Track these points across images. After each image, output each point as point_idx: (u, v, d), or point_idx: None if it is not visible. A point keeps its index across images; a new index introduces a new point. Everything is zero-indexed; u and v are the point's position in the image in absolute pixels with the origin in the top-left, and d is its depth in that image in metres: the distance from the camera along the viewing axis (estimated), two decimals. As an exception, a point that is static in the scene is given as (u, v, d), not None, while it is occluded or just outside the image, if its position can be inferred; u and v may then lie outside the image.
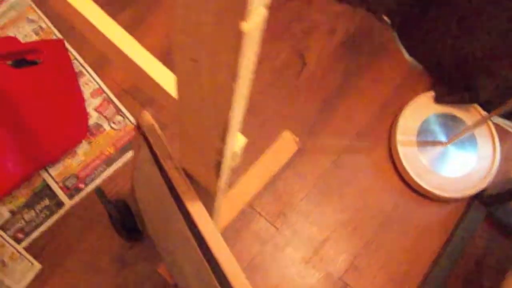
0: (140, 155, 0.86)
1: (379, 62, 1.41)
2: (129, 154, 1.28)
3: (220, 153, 0.63)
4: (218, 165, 0.67)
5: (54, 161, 1.26)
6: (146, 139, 0.80)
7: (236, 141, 0.68)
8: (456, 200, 1.31)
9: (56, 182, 1.26)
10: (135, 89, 1.33)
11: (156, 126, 0.79)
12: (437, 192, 1.27)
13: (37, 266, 1.23)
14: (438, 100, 1.33)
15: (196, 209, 0.76)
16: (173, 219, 0.84)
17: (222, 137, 0.59)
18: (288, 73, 1.38)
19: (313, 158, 1.32)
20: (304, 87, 1.37)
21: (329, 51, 1.41)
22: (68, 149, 1.26)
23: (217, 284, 0.75)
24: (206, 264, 0.76)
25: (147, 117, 0.79)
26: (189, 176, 0.77)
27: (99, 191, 1.08)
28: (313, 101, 1.36)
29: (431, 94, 1.35)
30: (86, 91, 1.31)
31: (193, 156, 0.72)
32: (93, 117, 1.30)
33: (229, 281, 0.74)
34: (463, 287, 1.27)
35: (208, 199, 0.79)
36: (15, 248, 1.23)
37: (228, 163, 0.68)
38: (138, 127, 0.81)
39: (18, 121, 1.15)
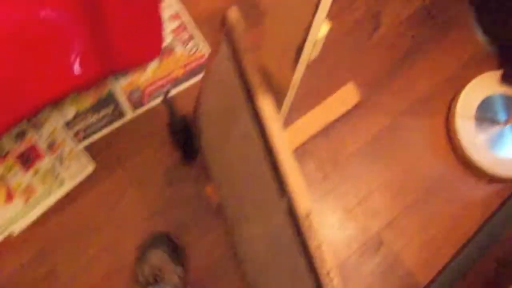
0: (220, 51, 0.89)
1: (451, 36, 1.42)
2: (196, 79, 1.33)
3: (306, 34, 0.66)
4: (299, 52, 0.70)
5: (123, 71, 1.31)
6: (228, 34, 0.84)
7: (321, 27, 0.70)
8: (505, 180, 1.31)
9: (122, 93, 1.32)
10: (212, 18, 1.38)
11: (242, 20, 0.82)
12: (488, 169, 1.28)
13: (91, 167, 1.28)
14: (504, 80, 1.33)
15: (266, 104, 0.79)
16: (240, 118, 0.87)
17: (313, 14, 0.62)
18: (360, 31, 1.41)
19: (372, 114, 1.34)
20: (374, 47, 1.40)
21: (403, 17, 1.43)
22: (139, 63, 1.32)
23: (274, 181, 0.78)
24: (266, 159, 0.79)
25: (235, 12, 0.83)
26: (264, 74, 0.80)
27: (166, 99, 1.11)
28: (380, 61, 1.39)
29: (497, 73, 1.35)
30: (165, 14, 1.36)
31: (276, 46, 0.75)
32: (168, 39, 1.35)
33: (286, 176, 0.77)
34: (497, 266, 1.27)
35: (278, 99, 0.82)
36: (74, 146, 1.29)
37: (309, 50, 0.71)
38: (223, 23, 0.84)
39: (98, 24, 1.20)
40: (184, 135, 1.18)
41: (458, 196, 1.30)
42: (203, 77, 1.05)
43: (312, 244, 0.78)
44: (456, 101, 1.31)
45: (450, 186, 1.31)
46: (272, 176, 0.79)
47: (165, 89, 1.32)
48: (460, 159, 1.32)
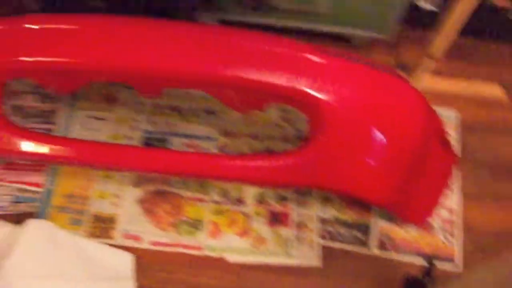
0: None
1: None
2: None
3: None
4: None
5: (391, 213, 1.49)
6: None
7: None
8: None
9: (377, 231, 1.47)
10: (478, 240, 1.55)
11: None
12: None
13: (318, 263, 1.41)
14: None
15: None
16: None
17: None
18: None
19: None
20: None
21: None
22: (406, 218, 1.48)
23: None
24: None
25: None
26: None
27: (429, 258, 1.24)
28: None
29: None
30: (445, 203, 1.55)
31: None
32: (434, 220, 1.52)
33: None
34: None
35: None
36: (316, 238, 1.44)
37: None
38: None
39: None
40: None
41: None
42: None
43: None
44: None
45: None
46: None
47: (413, 253, 1.46)
48: None
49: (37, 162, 1.50)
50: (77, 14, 1.33)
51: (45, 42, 1.27)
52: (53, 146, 1.33)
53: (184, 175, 1.43)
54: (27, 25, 1.28)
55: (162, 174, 1.45)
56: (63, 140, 1.40)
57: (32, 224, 1.34)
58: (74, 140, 1.43)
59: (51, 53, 1.25)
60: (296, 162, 1.32)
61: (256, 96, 1.35)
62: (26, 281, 1.27)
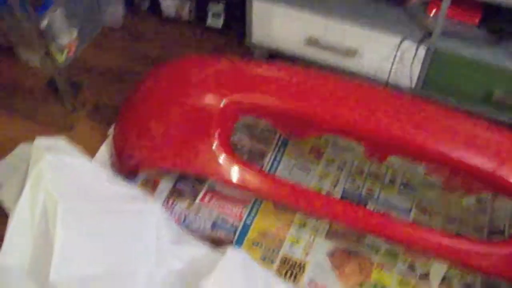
0: None
1: None
2: None
3: None
4: None
5: None
6: None
7: None
8: None
9: None
10: None
11: None
12: None
13: None
14: None
15: None
16: None
17: None
18: None
19: None
20: None
21: None
22: None
23: None
24: None
25: None
26: None
27: None
28: None
29: None
30: None
31: None
32: None
33: None
34: None
35: None
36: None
37: None
38: None
39: None
40: None
41: None
42: None
43: None
44: None
45: None
46: None
47: None
48: None
49: (245, 193, 1.59)
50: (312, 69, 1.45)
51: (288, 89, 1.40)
52: (266, 181, 1.43)
53: (382, 235, 1.43)
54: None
55: (357, 228, 1.46)
56: (275, 179, 1.50)
57: (231, 252, 1.43)
58: (283, 180, 1.50)
59: (293, 100, 1.38)
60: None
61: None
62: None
